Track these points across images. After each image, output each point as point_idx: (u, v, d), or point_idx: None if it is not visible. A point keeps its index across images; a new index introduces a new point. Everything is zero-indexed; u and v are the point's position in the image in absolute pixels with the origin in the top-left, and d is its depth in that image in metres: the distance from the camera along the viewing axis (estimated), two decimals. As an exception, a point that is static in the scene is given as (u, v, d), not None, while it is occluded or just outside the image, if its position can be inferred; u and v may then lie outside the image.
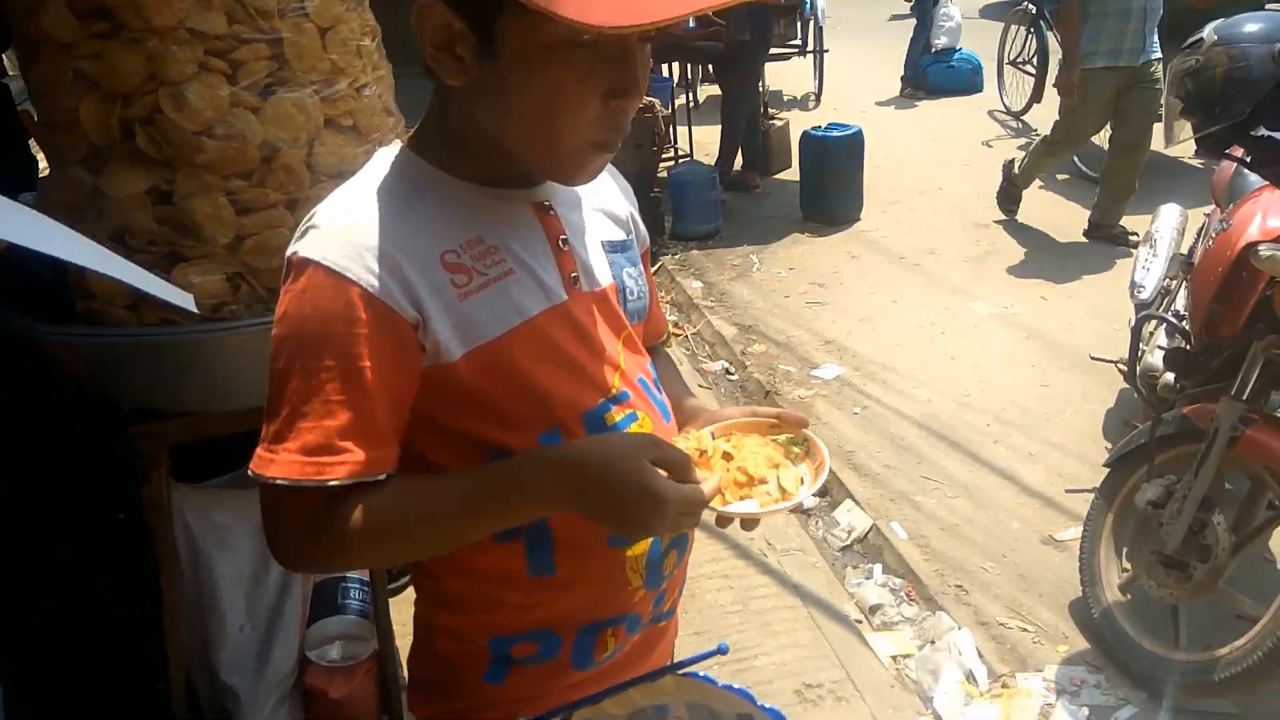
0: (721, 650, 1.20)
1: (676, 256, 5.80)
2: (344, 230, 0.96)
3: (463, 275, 0.98)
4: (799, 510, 1.11)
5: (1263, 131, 2.36)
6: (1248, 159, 2.43)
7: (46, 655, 1.32)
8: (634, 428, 1.08)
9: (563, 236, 1.08)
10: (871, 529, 3.37)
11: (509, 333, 1.00)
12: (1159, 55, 5.01)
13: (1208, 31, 2.45)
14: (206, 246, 1.54)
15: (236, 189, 1.52)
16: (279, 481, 0.94)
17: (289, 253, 0.98)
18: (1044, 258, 5.30)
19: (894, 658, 2.77)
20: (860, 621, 2.92)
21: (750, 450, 1.05)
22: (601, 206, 1.18)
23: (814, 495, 1.02)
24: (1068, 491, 3.45)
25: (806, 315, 4.91)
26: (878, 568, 3.21)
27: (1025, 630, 2.89)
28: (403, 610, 2.57)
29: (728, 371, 4.58)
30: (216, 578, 1.95)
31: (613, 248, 1.15)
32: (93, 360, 1.69)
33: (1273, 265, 2.32)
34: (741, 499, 1.00)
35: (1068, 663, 2.75)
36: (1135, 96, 5.06)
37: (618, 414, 1.07)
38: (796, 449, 1.07)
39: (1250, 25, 2.39)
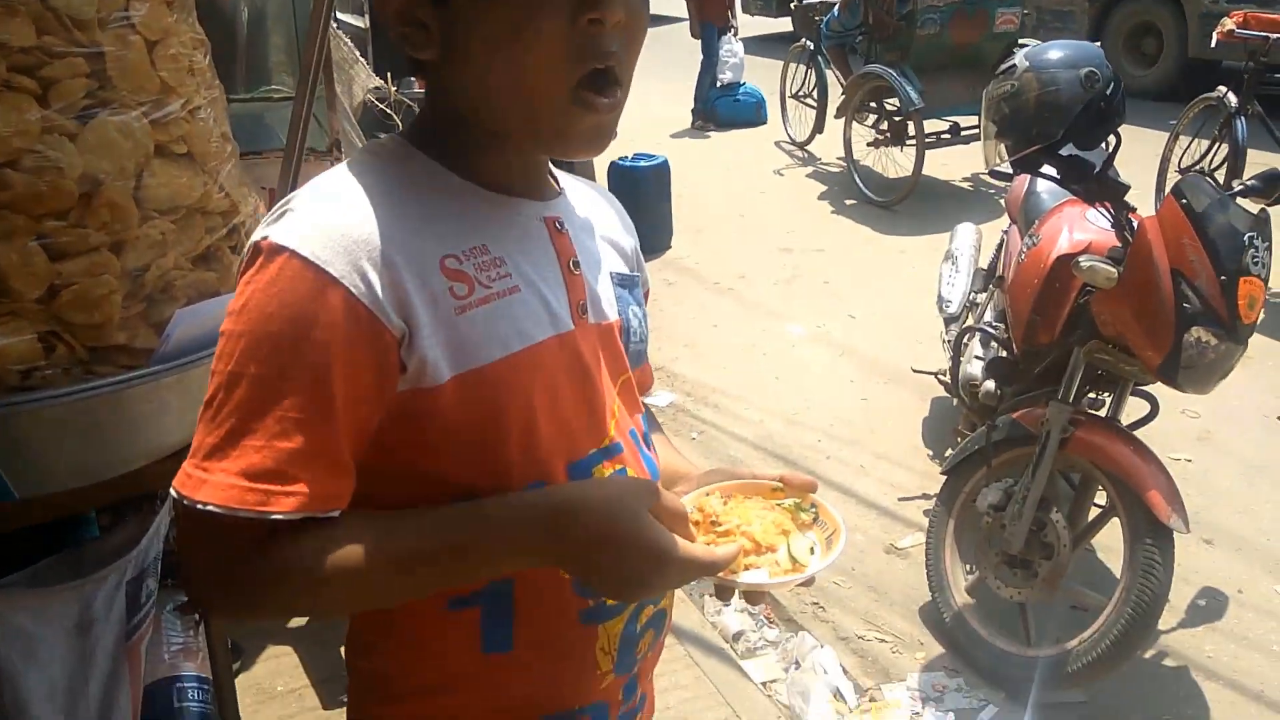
0: None
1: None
2: (329, 217, 0.81)
3: (463, 285, 0.85)
4: (809, 585, 0.99)
5: (1072, 150, 2.54)
6: (1058, 176, 2.60)
7: None
8: None
9: (574, 259, 0.95)
10: (722, 555, 3.34)
11: (508, 359, 0.86)
12: None
13: (1019, 58, 2.61)
14: (11, 302, 1.27)
15: (50, 231, 1.26)
16: (210, 508, 0.77)
17: (256, 238, 0.81)
18: (845, 279, 5.54)
19: (764, 684, 2.74)
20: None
21: (755, 514, 0.94)
22: (609, 236, 1.05)
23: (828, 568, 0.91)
24: (900, 500, 3.59)
25: (631, 344, 4.89)
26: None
27: (883, 641, 2.94)
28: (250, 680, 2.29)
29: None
30: (24, 695, 1.62)
31: (620, 281, 1.02)
32: None
33: (1092, 275, 2.49)
34: (748, 568, 0.90)
35: (927, 669, 2.82)
36: None
37: (606, 469, 0.94)
38: (804, 515, 0.96)
39: (1055, 53, 2.56)
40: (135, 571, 1.72)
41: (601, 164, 6.40)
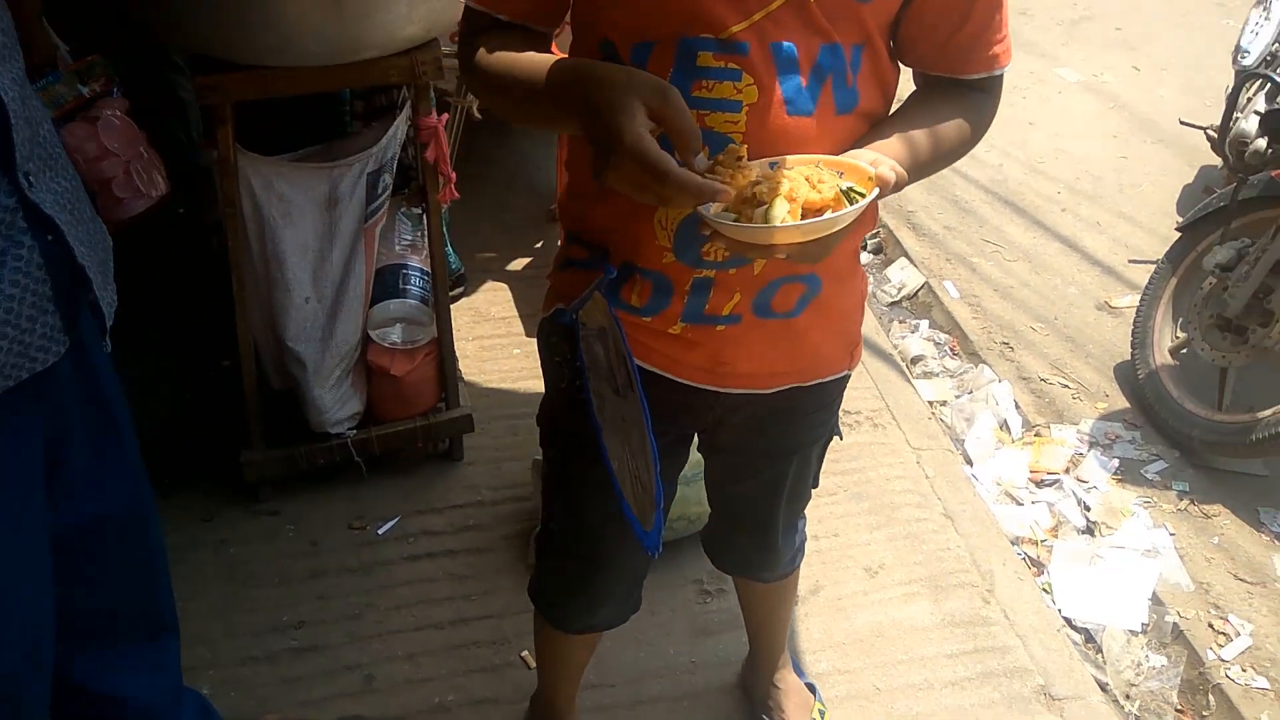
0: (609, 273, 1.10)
1: None
2: None
3: None
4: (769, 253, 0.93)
5: None
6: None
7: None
8: (729, 88, 0.96)
9: None
10: (923, 287, 3.34)
11: None
12: None
13: None
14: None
15: None
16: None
17: None
18: (1140, 26, 4.93)
19: (930, 403, 2.81)
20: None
21: (787, 176, 0.91)
22: None
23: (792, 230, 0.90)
24: (1130, 262, 3.39)
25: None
26: (924, 323, 3.20)
27: (1066, 387, 2.91)
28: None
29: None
30: (282, 250, 1.97)
31: None
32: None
33: None
34: (726, 210, 0.90)
35: (1105, 419, 2.78)
36: None
37: (714, 60, 0.96)
38: (849, 201, 0.91)
39: None
40: (375, 165, 2.00)
41: None
